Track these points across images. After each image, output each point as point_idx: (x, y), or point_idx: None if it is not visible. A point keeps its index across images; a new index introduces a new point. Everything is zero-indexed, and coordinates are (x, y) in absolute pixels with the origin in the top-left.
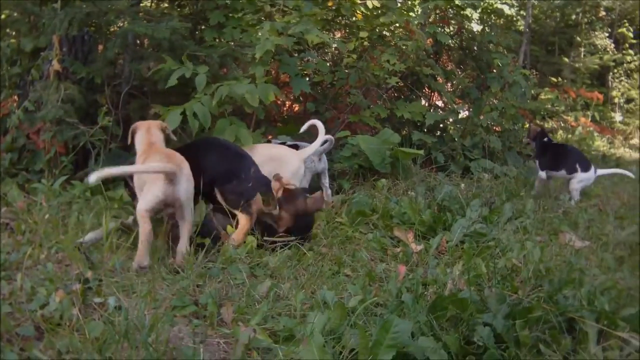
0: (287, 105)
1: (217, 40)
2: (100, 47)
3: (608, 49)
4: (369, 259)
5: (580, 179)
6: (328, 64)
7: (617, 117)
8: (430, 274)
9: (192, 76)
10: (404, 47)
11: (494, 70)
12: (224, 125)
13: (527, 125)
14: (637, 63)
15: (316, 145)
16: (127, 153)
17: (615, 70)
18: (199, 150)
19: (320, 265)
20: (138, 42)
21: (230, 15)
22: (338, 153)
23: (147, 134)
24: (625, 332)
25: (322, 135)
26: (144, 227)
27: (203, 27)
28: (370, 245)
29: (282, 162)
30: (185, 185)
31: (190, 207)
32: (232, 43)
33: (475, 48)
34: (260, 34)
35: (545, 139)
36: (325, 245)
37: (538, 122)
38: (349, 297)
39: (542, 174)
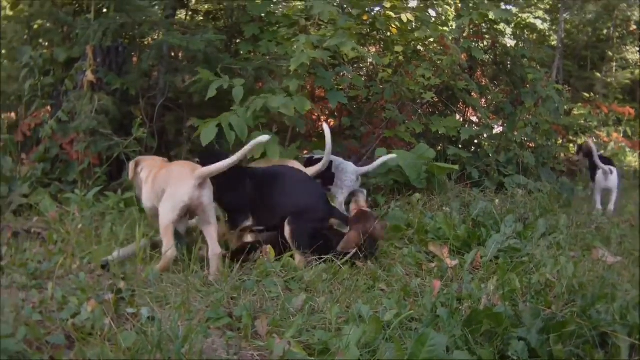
0: (322, 121)
1: (252, 53)
2: (135, 58)
3: (639, 64)
4: (404, 273)
5: (596, 180)
6: (363, 79)
7: None
8: (465, 289)
9: (228, 89)
10: (438, 62)
11: (528, 86)
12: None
13: (582, 142)
14: None
15: (321, 165)
16: None
17: None
18: (275, 180)
19: (356, 280)
20: (173, 54)
21: (266, 28)
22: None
23: (152, 162)
24: None
25: (327, 155)
26: (169, 242)
27: (238, 40)
28: (406, 260)
29: None
30: (209, 189)
31: (213, 211)
32: (267, 56)
33: (509, 63)
34: (295, 47)
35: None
36: (361, 260)
37: (571, 138)
38: (384, 311)
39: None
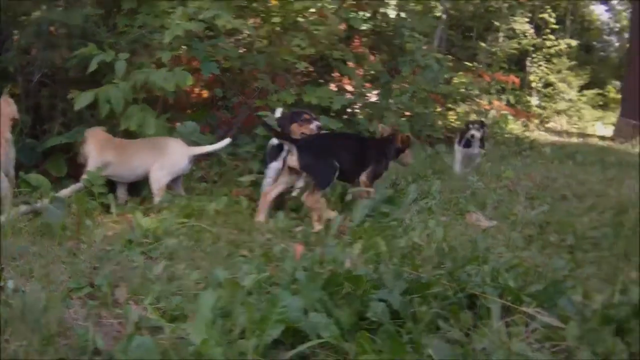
0: (194, 92)
1: (129, 27)
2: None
3: (527, 34)
4: (267, 239)
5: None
6: (240, 50)
7: (534, 100)
8: (328, 252)
9: (103, 63)
10: (316, 32)
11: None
12: (133, 112)
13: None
14: (557, 48)
15: (212, 147)
16: (38, 143)
17: (534, 55)
18: None
19: (217, 246)
20: (52, 30)
21: (144, 1)
22: (244, 139)
23: None
24: (531, 307)
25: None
26: None
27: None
28: (270, 226)
29: (163, 152)
30: None
31: None
32: (143, 29)
33: (390, 32)
34: (171, 19)
35: None
36: (223, 226)
37: (450, 106)
38: (243, 276)
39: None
